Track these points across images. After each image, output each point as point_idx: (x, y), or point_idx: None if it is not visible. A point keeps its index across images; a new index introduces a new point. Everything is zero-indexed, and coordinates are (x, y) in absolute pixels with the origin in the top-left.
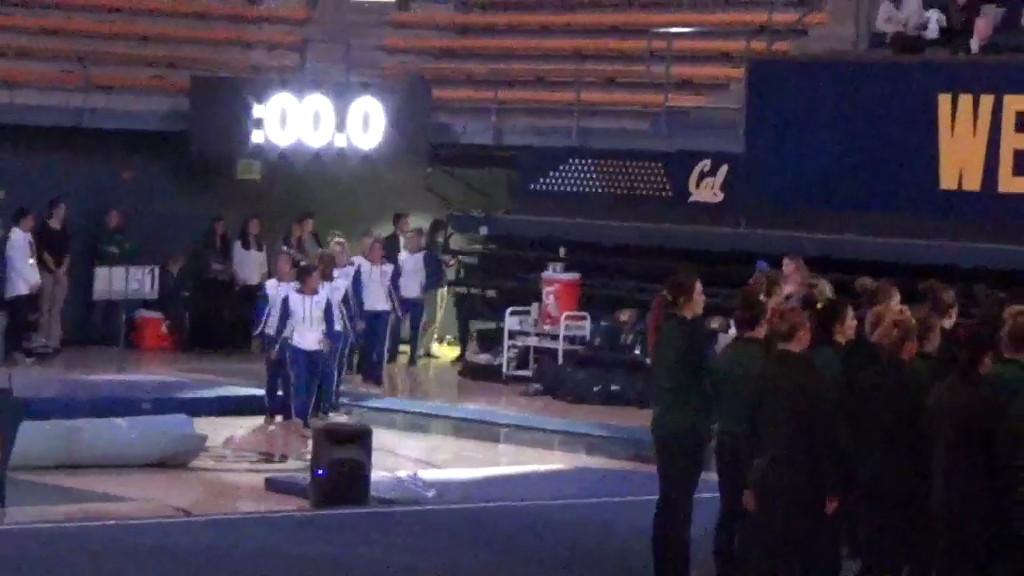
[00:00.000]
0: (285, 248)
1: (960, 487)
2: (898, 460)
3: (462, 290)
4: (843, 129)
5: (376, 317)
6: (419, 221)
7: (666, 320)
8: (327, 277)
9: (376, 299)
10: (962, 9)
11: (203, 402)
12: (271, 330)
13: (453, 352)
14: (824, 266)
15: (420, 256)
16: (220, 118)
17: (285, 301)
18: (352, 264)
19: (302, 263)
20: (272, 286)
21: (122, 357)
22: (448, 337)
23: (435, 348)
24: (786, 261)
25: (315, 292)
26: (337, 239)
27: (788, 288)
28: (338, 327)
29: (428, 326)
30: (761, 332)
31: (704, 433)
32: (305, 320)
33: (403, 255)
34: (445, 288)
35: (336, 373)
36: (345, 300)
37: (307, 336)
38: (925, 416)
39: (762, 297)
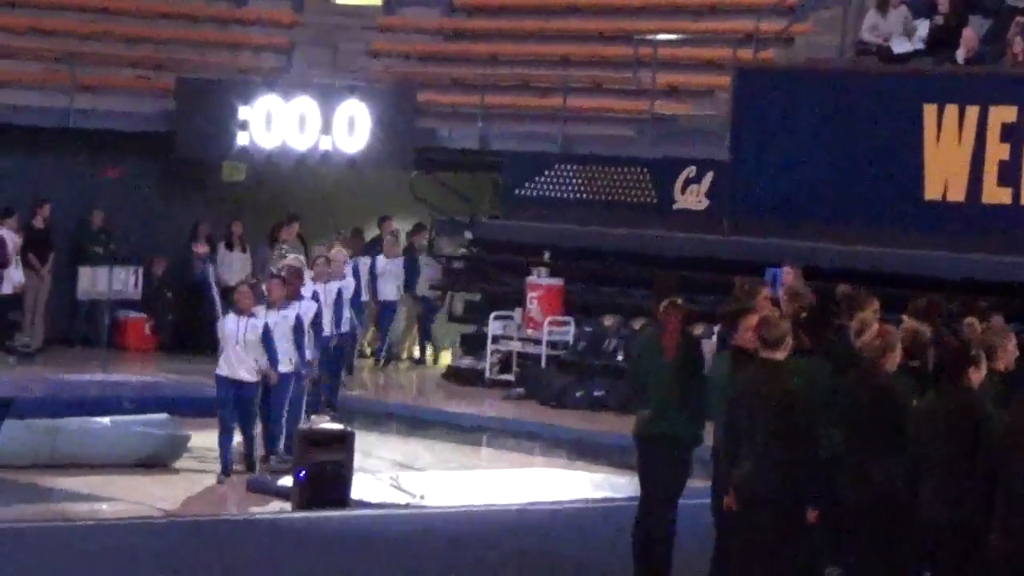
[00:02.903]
0: (272, 268)
1: (947, 496)
2: (881, 470)
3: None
4: (828, 138)
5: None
6: (404, 225)
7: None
8: (292, 296)
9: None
10: (949, 20)
11: (186, 402)
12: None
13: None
14: (808, 274)
15: (399, 260)
16: (206, 120)
17: (222, 324)
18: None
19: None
20: (259, 311)
21: (105, 357)
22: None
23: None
24: (786, 269)
25: (251, 315)
26: (292, 253)
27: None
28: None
29: (409, 330)
30: (741, 340)
31: (697, 439)
32: (237, 344)
33: (381, 258)
34: None
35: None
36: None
37: (236, 364)
38: (910, 424)
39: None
